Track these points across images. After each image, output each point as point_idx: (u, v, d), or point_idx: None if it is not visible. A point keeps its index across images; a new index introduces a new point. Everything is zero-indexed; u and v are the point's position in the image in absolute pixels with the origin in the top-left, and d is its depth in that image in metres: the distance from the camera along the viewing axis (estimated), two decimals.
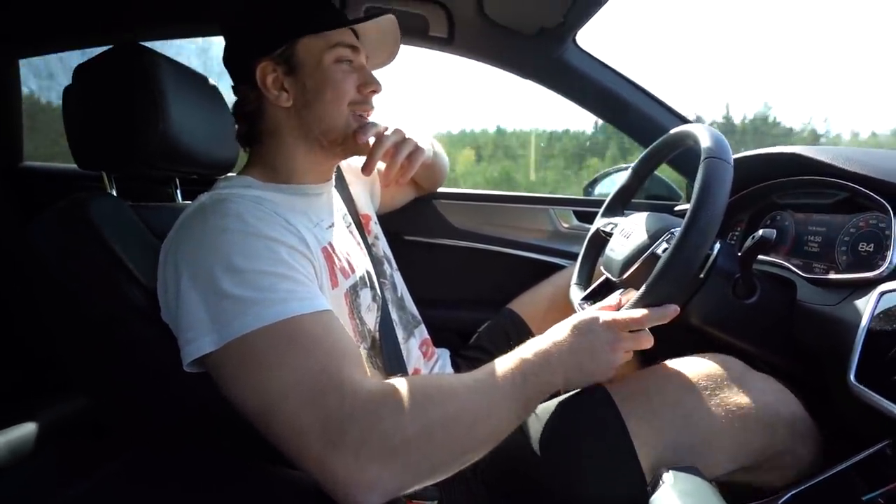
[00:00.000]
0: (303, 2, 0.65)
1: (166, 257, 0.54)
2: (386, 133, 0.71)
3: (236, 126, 0.70)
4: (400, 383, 0.49)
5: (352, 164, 0.94)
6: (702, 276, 0.63)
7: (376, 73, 0.70)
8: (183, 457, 0.54)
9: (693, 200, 0.57)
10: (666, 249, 0.63)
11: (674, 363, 0.66)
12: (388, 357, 0.69)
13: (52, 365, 0.82)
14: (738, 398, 0.60)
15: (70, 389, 0.88)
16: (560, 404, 0.66)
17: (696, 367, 0.64)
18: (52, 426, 0.80)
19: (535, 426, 0.64)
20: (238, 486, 0.49)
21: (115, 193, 0.72)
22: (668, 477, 0.46)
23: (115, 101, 0.66)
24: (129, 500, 0.47)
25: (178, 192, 0.89)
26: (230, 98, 0.73)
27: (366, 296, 0.70)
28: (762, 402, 0.61)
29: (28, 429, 0.77)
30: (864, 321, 0.53)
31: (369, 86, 0.67)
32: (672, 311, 0.58)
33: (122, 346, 0.61)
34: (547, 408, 0.66)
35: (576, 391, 0.67)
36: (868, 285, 0.58)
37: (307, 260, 0.57)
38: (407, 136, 0.76)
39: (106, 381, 0.65)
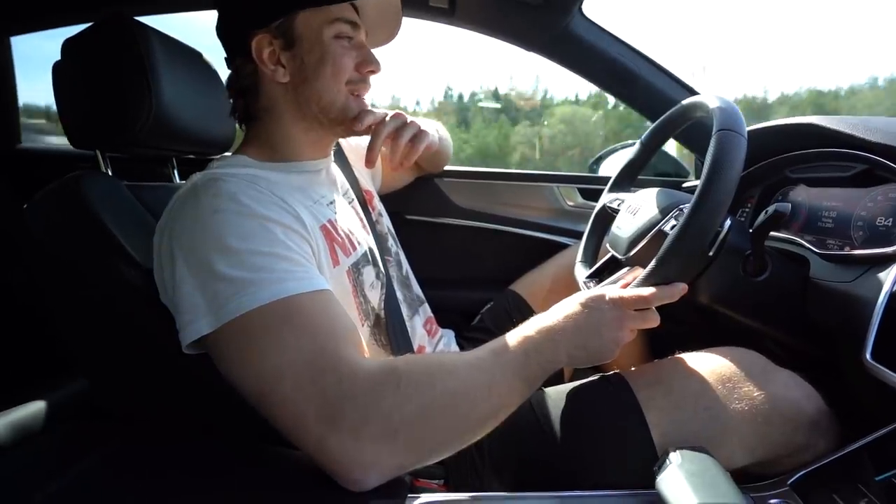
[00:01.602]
0: None
1: (161, 240, 0.53)
2: (386, 119, 0.70)
3: (231, 102, 0.68)
4: (400, 362, 0.49)
5: (352, 143, 0.92)
6: (711, 253, 0.61)
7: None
8: (182, 438, 0.54)
9: (704, 175, 0.54)
10: (674, 226, 0.61)
11: (696, 356, 0.64)
12: (395, 335, 0.69)
13: (56, 346, 0.82)
14: (762, 393, 0.58)
15: (74, 371, 0.88)
16: (575, 388, 0.65)
17: (718, 360, 0.62)
18: (55, 407, 0.81)
19: (548, 409, 0.63)
20: (238, 468, 0.48)
21: (109, 172, 0.71)
22: (675, 457, 0.45)
23: (105, 76, 0.65)
24: (130, 483, 0.46)
25: (175, 171, 0.87)
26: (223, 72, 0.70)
27: (369, 273, 0.68)
28: (786, 397, 0.59)
29: (31, 410, 0.78)
30: (882, 297, 0.51)
31: (368, 65, 0.65)
32: (680, 289, 0.57)
33: (119, 326, 0.60)
34: (560, 391, 0.66)
35: (592, 377, 0.67)
36: (886, 261, 0.56)
37: (304, 239, 0.55)
38: (409, 120, 0.74)
39: (105, 362, 0.65)
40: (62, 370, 0.87)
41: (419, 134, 0.75)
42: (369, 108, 0.68)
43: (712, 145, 0.55)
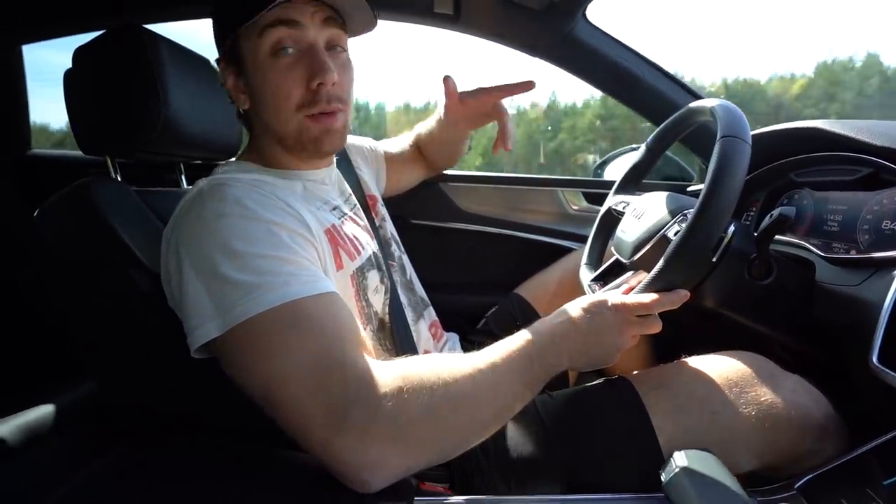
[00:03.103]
0: None
1: (168, 245, 0.54)
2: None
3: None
4: (405, 364, 0.49)
5: (356, 144, 0.92)
6: (714, 259, 0.61)
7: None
8: (191, 441, 0.54)
9: (707, 182, 0.54)
10: (678, 232, 0.61)
11: (702, 359, 0.64)
12: (399, 339, 0.69)
13: (66, 349, 0.83)
14: (769, 397, 0.58)
15: (83, 374, 0.89)
16: (580, 392, 0.65)
17: (725, 364, 0.62)
18: (64, 411, 0.82)
19: (553, 413, 0.63)
20: (245, 471, 0.49)
21: (119, 178, 0.72)
22: (682, 460, 0.45)
23: (115, 83, 0.66)
24: (137, 487, 0.47)
25: (183, 177, 0.88)
26: None
27: (373, 277, 0.69)
28: (794, 402, 0.59)
29: (40, 413, 0.78)
30: (889, 300, 0.51)
31: (315, 77, 0.56)
32: (682, 296, 0.57)
33: (128, 330, 0.61)
34: (566, 394, 0.66)
35: (597, 381, 0.67)
36: (892, 264, 0.56)
37: (309, 243, 0.56)
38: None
39: (113, 366, 0.65)
40: (72, 373, 0.88)
41: None
42: (334, 127, 0.60)
43: (716, 152, 0.55)
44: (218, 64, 0.62)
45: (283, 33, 0.56)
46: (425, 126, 0.99)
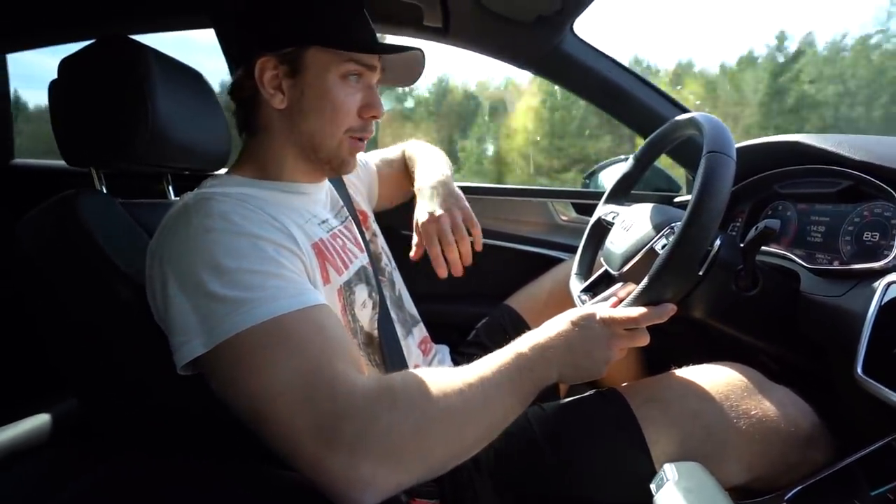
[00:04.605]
0: (329, 8, 0.61)
1: (152, 260, 0.53)
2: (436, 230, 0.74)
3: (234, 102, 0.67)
4: (395, 379, 0.48)
5: None
6: (701, 273, 0.61)
7: None
8: (176, 460, 0.53)
9: (693, 199, 0.55)
10: (665, 246, 0.62)
11: (693, 371, 0.65)
12: (389, 354, 0.68)
13: (47, 366, 0.81)
14: (759, 410, 0.59)
15: (65, 391, 0.87)
16: (572, 404, 0.66)
17: (716, 376, 0.63)
18: (47, 428, 0.79)
19: (546, 425, 0.63)
20: (232, 490, 0.48)
21: (104, 190, 0.71)
22: (672, 473, 0.45)
23: (102, 94, 0.65)
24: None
25: (171, 188, 0.87)
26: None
27: (361, 292, 0.68)
28: (782, 413, 0.60)
29: (21, 430, 0.76)
30: (871, 312, 0.52)
31: (371, 109, 0.64)
32: (669, 310, 0.58)
33: (112, 347, 0.60)
34: (558, 407, 0.66)
35: (589, 392, 0.67)
36: (874, 276, 0.57)
37: (296, 256, 0.55)
38: (454, 213, 0.77)
39: (97, 383, 0.64)
40: (55, 389, 0.86)
41: (469, 218, 0.79)
42: (360, 153, 0.69)
43: (701, 168, 0.56)
44: (255, 55, 0.60)
45: (360, 69, 0.62)
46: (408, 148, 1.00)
